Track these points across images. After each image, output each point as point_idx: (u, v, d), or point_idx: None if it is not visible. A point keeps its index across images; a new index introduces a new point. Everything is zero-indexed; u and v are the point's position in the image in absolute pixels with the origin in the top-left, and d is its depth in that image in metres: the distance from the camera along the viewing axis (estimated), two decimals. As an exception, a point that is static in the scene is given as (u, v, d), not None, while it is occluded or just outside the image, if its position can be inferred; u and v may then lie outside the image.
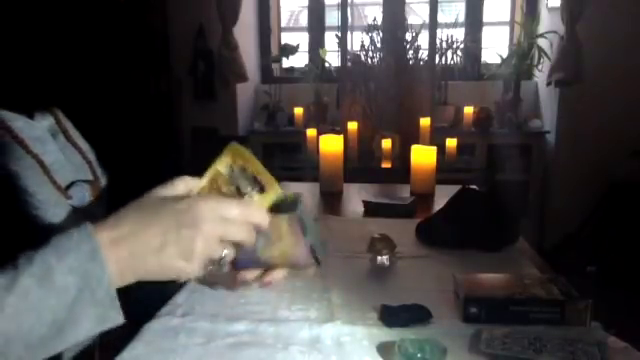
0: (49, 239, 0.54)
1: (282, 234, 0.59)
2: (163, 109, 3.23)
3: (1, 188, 0.57)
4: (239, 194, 0.60)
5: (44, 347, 0.52)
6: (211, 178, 0.61)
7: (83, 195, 0.70)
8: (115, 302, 0.54)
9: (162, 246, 0.54)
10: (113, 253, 0.53)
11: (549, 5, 3.29)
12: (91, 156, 0.76)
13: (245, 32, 3.53)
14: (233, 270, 0.60)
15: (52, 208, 0.63)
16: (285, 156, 3.36)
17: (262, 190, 0.60)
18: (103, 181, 0.75)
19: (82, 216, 0.69)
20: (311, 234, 0.59)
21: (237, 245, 0.57)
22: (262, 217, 0.57)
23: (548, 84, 3.20)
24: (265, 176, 0.60)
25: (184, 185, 0.59)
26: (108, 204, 0.74)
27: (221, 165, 0.61)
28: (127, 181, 0.77)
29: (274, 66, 3.81)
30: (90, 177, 0.73)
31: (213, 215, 0.55)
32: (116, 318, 0.54)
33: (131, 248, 0.54)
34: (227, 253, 0.57)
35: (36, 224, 0.60)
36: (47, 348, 0.53)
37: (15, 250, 0.53)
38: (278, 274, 0.62)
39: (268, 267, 0.61)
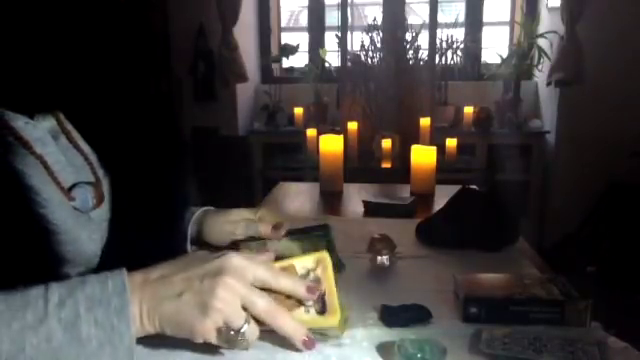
0: (85, 277, 0.53)
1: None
2: (163, 109, 3.23)
3: (7, 186, 0.57)
4: (299, 302, 0.58)
5: None
6: (284, 267, 0.59)
7: (86, 197, 0.70)
8: (132, 358, 0.54)
9: (182, 292, 0.53)
10: (138, 295, 0.53)
11: (549, 5, 3.29)
12: (92, 158, 0.75)
13: (245, 32, 3.53)
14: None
15: (56, 208, 0.63)
16: (285, 156, 3.36)
17: (322, 311, 0.58)
18: (105, 183, 0.75)
19: (87, 219, 0.69)
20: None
21: (260, 323, 0.55)
22: (299, 330, 0.56)
23: (548, 84, 3.20)
24: (332, 300, 0.58)
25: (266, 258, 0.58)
26: (111, 206, 0.74)
27: (300, 264, 0.59)
28: (129, 182, 0.76)
29: (274, 66, 3.81)
30: (92, 179, 0.73)
31: (243, 272, 0.54)
32: None
33: (154, 290, 0.54)
34: (247, 329, 0.54)
35: (42, 223, 0.60)
36: None
37: (21, 248, 0.53)
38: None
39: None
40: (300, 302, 0.58)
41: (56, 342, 0.50)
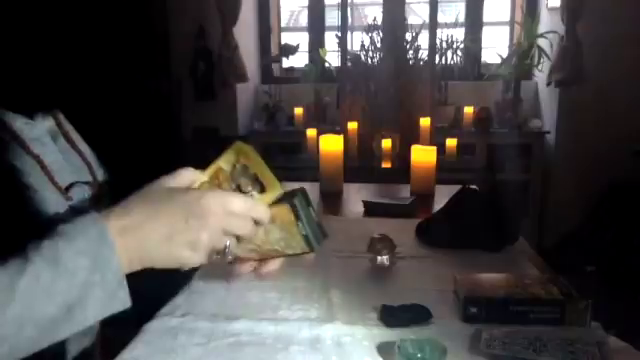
0: (54, 229, 0.54)
1: (276, 224, 0.60)
2: (163, 109, 3.23)
3: (3, 184, 0.57)
4: (239, 192, 0.62)
5: (54, 330, 0.53)
6: (213, 174, 0.62)
7: (83, 196, 0.71)
8: (123, 283, 0.55)
9: (170, 236, 0.55)
10: (121, 241, 0.54)
11: (549, 5, 3.29)
12: (91, 159, 0.76)
13: (245, 32, 3.53)
14: (233, 261, 0.62)
15: (53, 207, 0.63)
16: (285, 156, 3.36)
17: (262, 190, 0.62)
18: (104, 183, 0.76)
19: (76, 214, 0.69)
20: (306, 222, 0.60)
21: (238, 237, 0.59)
22: (264, 213, 0.59)
23: (548, 84, 3.20)
24: (267, 176, 0.62)
25: (188, 176, 0.60)
26: (109, 206, 0.74)
27: (224, 162, 0.62)
28: (128, 182, 0.77)
29: (274, 66, 3.81)
30: (89, 179, 0.73)
31: (219, 208, 0.56)
32: (124, 300, 0.55)
33: (139, 237, 0.55)
34: (230, 244, 0.58)
35: (39, 220, 0.60)
36: (57, 331, 0.54)
37: (18, 244, 0.53)
38: (274, 265, 0.64)
39: (265, 257, 0.63)
40: (240, 190, 0.62)
41: (44, 279, 0.51)
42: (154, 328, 0.80)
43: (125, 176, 0.77)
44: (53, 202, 0.64)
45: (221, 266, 0.61)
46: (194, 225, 0.55)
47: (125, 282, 0.55)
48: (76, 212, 0.68)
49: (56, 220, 0.60)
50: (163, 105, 3.25)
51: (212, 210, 0.56)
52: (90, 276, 0.53)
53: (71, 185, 0.69)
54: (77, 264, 0.52)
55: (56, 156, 0.69)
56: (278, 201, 0.61)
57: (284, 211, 0.60)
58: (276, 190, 0.62)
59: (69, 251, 0.52)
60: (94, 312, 0.54)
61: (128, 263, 0.55)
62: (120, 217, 0.55)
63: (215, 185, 0.62)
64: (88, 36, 0.68)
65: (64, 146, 0.72)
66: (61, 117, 0.73)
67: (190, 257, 0.56)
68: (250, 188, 0.62)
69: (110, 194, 0.75)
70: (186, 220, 0.55)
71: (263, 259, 0.63)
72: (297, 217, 0.60)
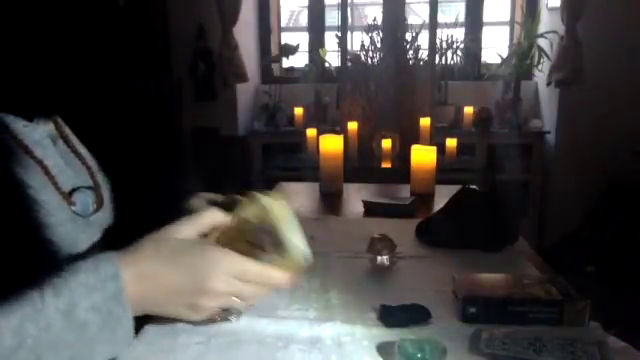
0: (75, 265, 0.54)
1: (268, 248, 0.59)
2: (163, 110, 3.23)
3: (5, 189, 0.57)
4: (260, 249, 0.60)
5: None
6: (238, 224, 0.60)
7: (87, 202, 0.70)
8: (131, 340, 0.56)
9: (174, 296, 0.56)
10: (133, 287, 0.55)
11: (549, 5, 3.29)
12: (91, 163, 0.75)
13: (245, 32, 3.53)
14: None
15: (55, 211, 0.63)
16: (285, 156, 3.36)
17: (283, 254, 0.60)
18: (105, 188, 0.75)
19: (86, 223, 0.69)
20: (292, 236, 0.59)
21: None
22: (281, 280, 0.59)
23: (548, 84, 3.20)
24: (294, 239, 0.60)
25: (212, 218, 0.60)
26: (112, 210, 0.74)
27: (252, 215, 0.60)
28: (129, 184, 0.76)
29: (274, 66, 3.81)
30: (91, 183, 0.72)
31: (230, 275, 0.56)
32: (127, 351, 0.57)
33: (147, 288, 0.56)
34: (236, 308, 0.59)
35: (39, 226, 0.60)
36: None
37: (18, 251, 0.53)
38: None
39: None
40: (262, 248, 0.60)
41: (55, 330, 0.51)
42: (154, 328, 0.80)
43: (124, 180, 0.76)
44: (55, 206, 0.63)
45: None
46: (198, 290, 0.56)
47: (132, 339, 0.56)
48: (80, 220, 0.67)
49: (65, 231, 0.60)
50: (163, 105, 3.25)
51: (222, 276, 0.56)
52: (100, 333, 0.53)
53: (74, 190, 0.68)
54: (89, 320, 0.52)
55: (57, 160, 0.68)
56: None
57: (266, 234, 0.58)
58: (299, 260, 0.59)
59: (84, 305, 0.52)
60: None
61: (134, 310, 0.56)
62: (134, 265, 0.56)
63: (237, 234, 0.60)
64: (87, 39, 0.67)
65: (64, 150, 0.71)
66: (60, 121, 0.73)
67: (189, 316, 0.58)
68: (272, 249, 0.59)
69: (112, 199, 0.75)
70: (193, 284, 0.56)
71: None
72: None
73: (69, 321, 0.51)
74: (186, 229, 0.59)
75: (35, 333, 0.50)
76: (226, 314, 0.59)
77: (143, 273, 0.55)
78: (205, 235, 0.61)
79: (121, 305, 0.53)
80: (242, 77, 3.39)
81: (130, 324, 0.54)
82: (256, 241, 0.60)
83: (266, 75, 3.81)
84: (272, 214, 0.59)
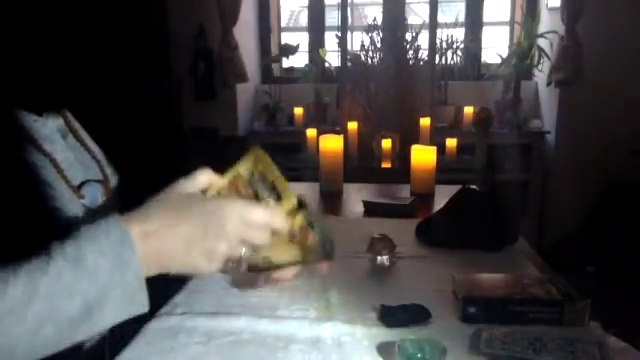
0: (76, 229, 0.55)
1: (294, 234, 0.62)
2: (163, 109, 3.23)
3: (22, 181, 0.58)
4: (256, 198, 0.62)
5: (73, 331, 0.53)
6: (231, 179, 0.63)
7: (95, 195, 0.71)
8: (143, 285, 0.55)
9: (188, 244, 0.56)
10: (142, 245, 0.55)
11: (549, 5, 3.29)
12: (100, 156, 0.76)
13: (245, 32, 3.53)
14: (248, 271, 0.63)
15: (67, 204, 0.64)
16: (285, 156, 3.35)
17: (278, 198, 0.62)
18: (113, 181, 0.76)
19: (95, 215, 0.69)
20: (319, 231, 0.62)
21: (254, 246, 0.60)
22: (282, 223, 0.60)
23: (548, 84, 3.20)
24: (283, 185, 0.62)
25: (206, 179, 0.61)
26: (120, 204, 0.74)
27: (243, 168, 0.63)
28: (135, 181, 0.77)
29: (274, 66, 3.81)
30: (100, 177, 0.73)
31: (238, 218, 0.57)
32: (143, 303, 0.56)
33: (159, 244, 0.56)
34: (245, 253, 0.59)
35: (55, 216, 0.61)
36: (75, 332, 0.54)
37: (38, 241, 0.53)
38: (287, 272, 0.65)
39: (278, 267, 0.64)
40: (257, 197, 0.63)
41: (66, 278, 0.51)
42: (154, 328, 0.80)
43: (132, 175, 0.77)
44: (66, 199, 0.64)
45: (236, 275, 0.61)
46: (212, 235, 0.56)
47: (145, 286, 0.55)
48: (93, 213, 0.68)
49: (76, 220, 0.61)
50: (163, 105, 3.25)
51: (231, 220, 0.57)
52: (111, 277, 0.53)
53: (82, 183, 0.69)
54: (99, 265, 0.52)
55: (67, 154, 0.69)
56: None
57: (297, 221, 0.61)
58: (291, 200, 0.62)
59: (91, 252, 0.53)
60: (113, 314, 0.54)
61: (146, 268, 0.56)
62: (141, 222, 0.56)
63: (233, 191, 0.62)
64: (91, 36, 0.68)
65: (73, 144, 0.73)
66: (69, 115, 0.74)
67: (206, 266, 0.57)
68: (267, 195, 0.63)
69: (120, 193, 0.76)
70: (205, 229, 0.56)
71: (277, 268, 0.64)
72: (312, 227, 0.61)
73: (78, 268, 0.52)
74: (186, 187, 0.60)
75: (47, 283, 0.51)
76: (236, 264, 0.59)
77: (151, 230, 0.55)
78: (203, 192, 0.62)
79: (128, 247, 0.54)
80: (242, 77, 3.39)
81: (139, 267, 0.54)
82: (251, 192, 0.63)
83: (266, 75, 3.81)
84: (260, 164, 0.63)
